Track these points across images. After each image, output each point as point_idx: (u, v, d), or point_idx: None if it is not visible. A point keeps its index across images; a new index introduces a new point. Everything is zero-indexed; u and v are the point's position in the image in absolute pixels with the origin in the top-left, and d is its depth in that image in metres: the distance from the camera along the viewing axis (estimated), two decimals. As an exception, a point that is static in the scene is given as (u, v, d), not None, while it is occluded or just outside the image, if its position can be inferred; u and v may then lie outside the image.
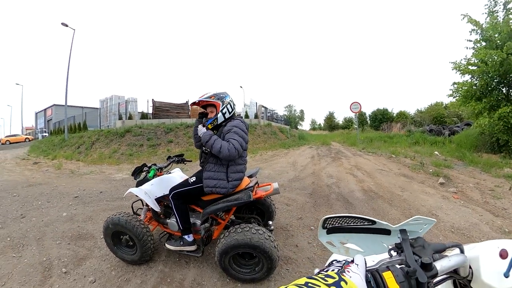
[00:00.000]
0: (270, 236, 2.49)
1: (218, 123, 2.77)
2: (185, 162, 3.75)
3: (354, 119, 22.91)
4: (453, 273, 0.68)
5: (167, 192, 2.83)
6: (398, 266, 0.59)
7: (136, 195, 2.93)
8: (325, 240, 0.75)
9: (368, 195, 5.77)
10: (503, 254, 0.62)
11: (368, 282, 0.57)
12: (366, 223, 0.71)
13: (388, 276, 0.56)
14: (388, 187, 6.29)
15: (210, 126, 2.77)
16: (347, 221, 0.72)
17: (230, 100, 2.83)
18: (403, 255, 0.64)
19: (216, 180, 2.65)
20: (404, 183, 6.65)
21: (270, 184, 3.17)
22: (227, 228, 2.86)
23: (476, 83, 9.91)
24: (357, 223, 0.72)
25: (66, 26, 18.79)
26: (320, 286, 0.50)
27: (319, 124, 78.87)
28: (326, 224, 0.74)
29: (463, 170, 7.96)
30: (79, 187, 6.88)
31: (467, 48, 10.12)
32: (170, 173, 3.49)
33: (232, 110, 2.84)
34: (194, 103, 2.83)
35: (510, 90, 9.54)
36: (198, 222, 2.80)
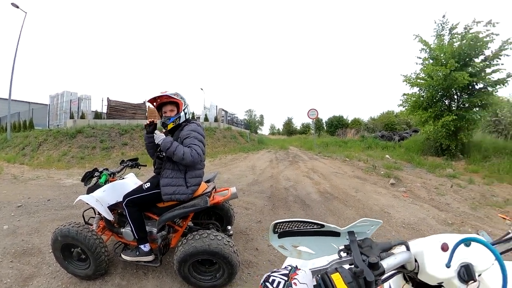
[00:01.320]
0: (229, 241, 2.46)
1: (180, 122, 2.70)
2: (139, 167, 3.54)
3: (311, 125, 23.44)
4: (401, 268, 0.71)
5: (121, 199, 2.67)
6: (347, 267, 0.61)
7: (87, 203, 2.72)
8: (277, 244, 0.76)
9: (324, 196, 5.95)
10: (444, 247, 0.67)
11: (318, 284, 0.59)
12: (315, 227, 0.74)
13: (336, 277, 0.58)
14: (343, 189, 6.53)
15: (171, 125, 2.68)
16: (297, 225, 0.74)
17: (188, 103, 2.79)
18: (352, 255, 0.67)
19: (175, 187, 2.56)
20: (358, 185, 6.96)
21: (227, 189, 3.13)
22: (185, 235, 2.74)
23: (423, 95, 11.08)
24: (306, 227, 0.74)
25: (17, 7, 16.62)
26: None
27: (278, 129, 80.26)
28: (276, 229, 0.76)
29: (411, 171, 8.58)
30: (23, 195, 6.15)
31: (416, 63, 11.39)
32: (123, 178, 3.29)
33: (189, 112, 2.79)
34: (153, 99, 2.70)
35: (452, 102, 10.75)
36: (155, 230, 2.68)
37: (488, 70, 9.63)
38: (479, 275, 0.65)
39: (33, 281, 2.81)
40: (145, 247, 2.64)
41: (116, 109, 18.80)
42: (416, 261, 0.70)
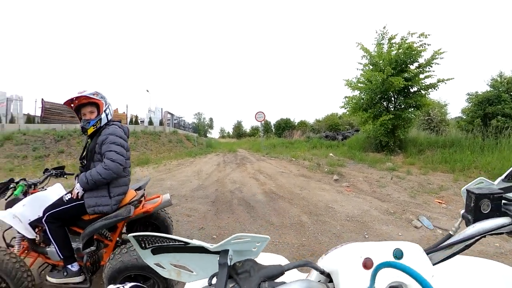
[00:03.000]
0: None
1: (101, 125, 2.47)
2: (65, 176, 3.21)
3: (259, 128, 23.73)
4: None
5: (42, 214, 2.38)
6: None
7: (2, 220, 2.37)
8: (152, 262, 0.59)
9: (270, 196, 5.99)
10: (367, 264, 0.54)
11: None
12: (181, 243, 0.56)
13: None
14: (288, 188, 6.63)
15: (91, 129, 2.44)
16: (163, 240, 0.56)
17: (109, 102, 2.57)
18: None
19: (97, 198, 2.34)
20: (303, 183, 7.12)
21: (159, 196, 2.94)
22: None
23: (363, 98, 12.05)
24: (173, 242, 0.56)
25: None
26: None
27: (228, 132, 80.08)
28: (142, 244, 0.57)
29: (354, 167, 9.09)
30: None
31: (357, 69, 12.47)
32: (45, 189, 2.90)
33: (111, 113, 2.57)
34: (70, 100, 2.43)
35: (389, 103, 11.91)
36: (82, 246, 2.42)
37: (421, 76, 10.90)
38: None
39: None
40: (73, 267, 2.39)
41: (51, 112, 17.31)
42: (330, 281, 0.56)
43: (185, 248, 0.57)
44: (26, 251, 2.64)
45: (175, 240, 0.55)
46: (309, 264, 0.55)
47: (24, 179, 2.83)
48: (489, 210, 0.67)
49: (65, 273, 2.39)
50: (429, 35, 10.43)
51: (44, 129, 15.07)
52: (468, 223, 0.70)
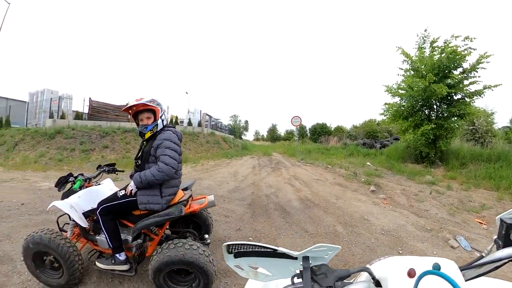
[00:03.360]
0: (204, 250, 2.42)
1: (158, 130, 2.65)
2: (116, 172, 3.46)
3: (294, 132, 23.67)
4: None
5: (96, 206, 2.61)
6: None
7: (61, 209, 2.64)
8: (233, 264, 0.73)
9: (305, 203, 5.97)
10: (411, 273, 0.63)
11: None
12: (268, 250, 0.70)
13: None
14: (323, 196, 6.58)
15: (149, 134, 2.63)
16: (250, 247, 0.71)
17: (165, 109, 2.75)
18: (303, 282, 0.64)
19: (149, 196, 2.52)
20: (338, 192, 7.02)
21: (205, 197, 3.09)
22: (161, 243, 2.68)
23: (404, 105, 11.47)
24: (259, 249, 0.71)
25: None
26: None
27: (263, 135, 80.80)
28: (230, 249, 0.72)
29: (392, 178, 8.75)
30: None
31: (398, 74, 11.74)
32: (99, 184, 3.20)
33: (167, 119, 2.76)
34: (129, 108, 2.64)
35: (431, 112, 11.16)
36: (130, 238, 2.63)
37: (466, 82, 10.10)
38: None
39: None
40: (121, 256, 2.59)
41: (98, 110, 18.41)
42: (379, 285, 0.67)
43: (265, 253, 0.71)
44: (77, 237, 2.91)
45: (264, 247, 0.70)
46: (368, 270, 0.68)
47: (82, 174, 3.12)
48: None
49: (113, 261, 2.60)
50: (474, 38, 9.69)
51: (91, 125, 16.07)
52: (498, 248, 0.77)
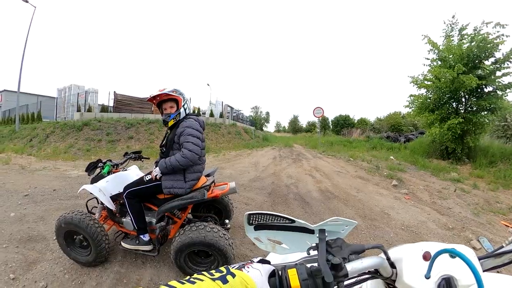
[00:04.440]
0: (225, 234, 2.51)
1: (180, 118, 2.76)
2: (142, 160, 3.63)
3: (316, 123, 23.43)
4: (375, 274, 0.69)
5: (122, 190, 2.76)
6: (309, 265, 0.59)
7: (90, 193, 2.81)
8: (253, 236, 0.75)
9: (325, 195, 5.97)
10: (427, 256, 0.63)
11: (273, 277, 0.59)
12: (286, 222, 0.72)
13: (292, 273, 0.57)
14: (344, 188, 6.54)
15: (172, 122, 2.75)
16: (270, 218, 0.73)
17: (188, 98, 2.84)
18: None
19: (173, 181, 2.64)
20: (359, 185, 6.96)
21: (226, 184, 3.18)
22: (183, 227, 2.80)
23: (430, 97, 10.95)
24: (279, 220, 0.72)
25: (27, 2, 16.52)
26: (203, 280, 0.52)
27: (284, 127, 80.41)
28: (251, 220, 0.74)
29: (415, 173, 8.52)
30: (30, 185, 6.28)
31: (424, 65, 11.24)
32: (126, 170, 3.37)
33: (189, 108, 2.85)
34: (153, 98, 2.75)
35: (459, 105, 10.60)
36: (154, 221, 2.76)
37: (498, 73, 9.43)
38: None
39: (37, 265, 2.92)
40: (145, 237, 2.73)
41: (122, 103, 18.97)
42: (395, 267, 0.67)
43: (283, 227, 0.74)
44: (104, 219, 3.09)
45: (283, 217, 0.73)
46: (382, 247, 0.68)
47: (110, 160, 3.31)
48: None
49: (137, 241, 2.75)
50: (506, 25, 8.92)
51: (116, 117, 16.73)
52: None
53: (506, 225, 4.71)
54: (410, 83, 11.33)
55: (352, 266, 0.61)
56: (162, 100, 2.77)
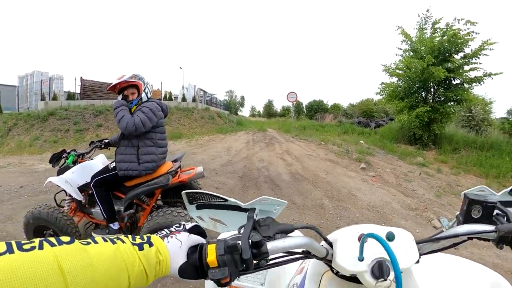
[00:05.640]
0: (192, 218, 2.54)
1: (143, 102, 2.75)
2: (109, 148, 3.53)
3: (291, 108, 23.59)
4: (308, 254, 0.69)
5: (89, 180, 2.75)
6: (232, 242, 0.60)
7: (57, 185, 2.78)
8: (195, 215, 0.77)
9: (295, 177, 6.14)
10: (360, 238, 0.63)
11: (194, 248, 0.61)
12: (220, 201, 0.74)
13: (211, 248, 0.59)
14: (314, 171, 6.73)
15: (134, 108, 2.73)
16: (208, 198, 0.75)
17: (148, 81, 2.83)
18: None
19: (127, 163, 2.66)
20: (329, 167, 7.18)
21: (193, 168, 3.19)
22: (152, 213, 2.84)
23: (401, 85, 11.49)
24: (215, 200, 0.75)
25: None
26: (125, 243, 0.53)
27: (259, 111, 79.86)
28: (191, 200, 0.76)
29: (383, 157, 8.90)
30: None
31: (396, 54, 11.79)
32: (92, 159, 3.33)
33: (151, 91, 2.85)
34: (113, 87, 2.73)
35: (428, 94, 11.25)
36: (123, 209, 2.79)
37: (466, 68, 10.11)
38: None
39: None
40: (115, 226, 2.75)
41: (90, 89, 18.07)
42: (332, 248, 0.67)
43: (223, 206, 0.77)
44: (74, 211, 3.04)
45: (217, 197, 0.75)
46: (315, 228, 0.69)
47: (74, 150, 3.26)
48: (479, 215, 0.72)
49: (107, 231, 2.78)
50: (476, 23, 9.54)
51: (84, 105, 15.84)
52: (458, 224, 0.75)
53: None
54: (383, 71, 11.81)
55: (273, 245, 0.61)
56: (122, 88, 2.75)
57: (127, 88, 2.74)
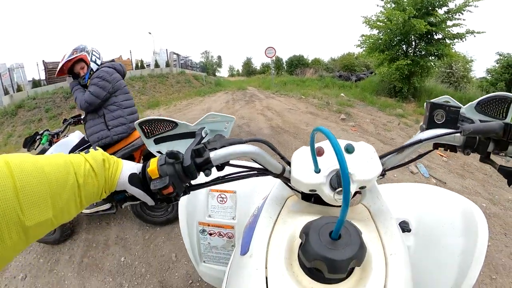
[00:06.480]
0: None
1: (95, 71, 2.62)
2: (83, 122, 3.46)
3: (270, 64, 23.15)
4: (265, 170, 0.69)
5: None
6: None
7: None
8: (154, 150, 0.75)
9: (275, 130, 6.20)
10: (320, 151, 0.62)
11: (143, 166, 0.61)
12: (172, 125, 0.73)
13: (154, 159, 0.59)
14: (294, 123, 6.78)
15: (89, 82, 2.60)
16: (162, 127, 0.73)
17: (92, 48, 2.67)
18: None
19: (98, 133, 2.61)
20: (309, 119, 7.23)
21: None
22: None
23: (382, 38, 11.18)
24: (168, 127, 0.73)
25: None
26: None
27: (238, 70, 77.82)
28: (146, 133, 0.73)
29: (363, 109, 8.99)
30: None
31: (378, 5, 11.24)
32: (67, 136, 3.18)
33: (100, 56, 2.71)
34: (60, 72, 2.61)
35: (409, 48, 11.08)
36: None
37: (449, 23, 9.92)
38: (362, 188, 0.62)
39: (10, 263, 2.88)
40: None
41: (55, 71, 16.71)
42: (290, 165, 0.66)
43: (180, 135, 0.76)
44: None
45: (167, 121, 0.73)
46: (267, 143, 0.69)
47: (47, 130, 3.13)
48: (443, 120, 0.71)
49: (95, 204, 2.75)
50: None
51: (52, 89, 14.81)
52: (422, 131, 0.72)
53: (440, 155, 5.28)
54: (363, 23, 11.40)
55: (216, 153, 0.61)
56: (70, 68, 2.60)
57: (74, 66, 2.59)
